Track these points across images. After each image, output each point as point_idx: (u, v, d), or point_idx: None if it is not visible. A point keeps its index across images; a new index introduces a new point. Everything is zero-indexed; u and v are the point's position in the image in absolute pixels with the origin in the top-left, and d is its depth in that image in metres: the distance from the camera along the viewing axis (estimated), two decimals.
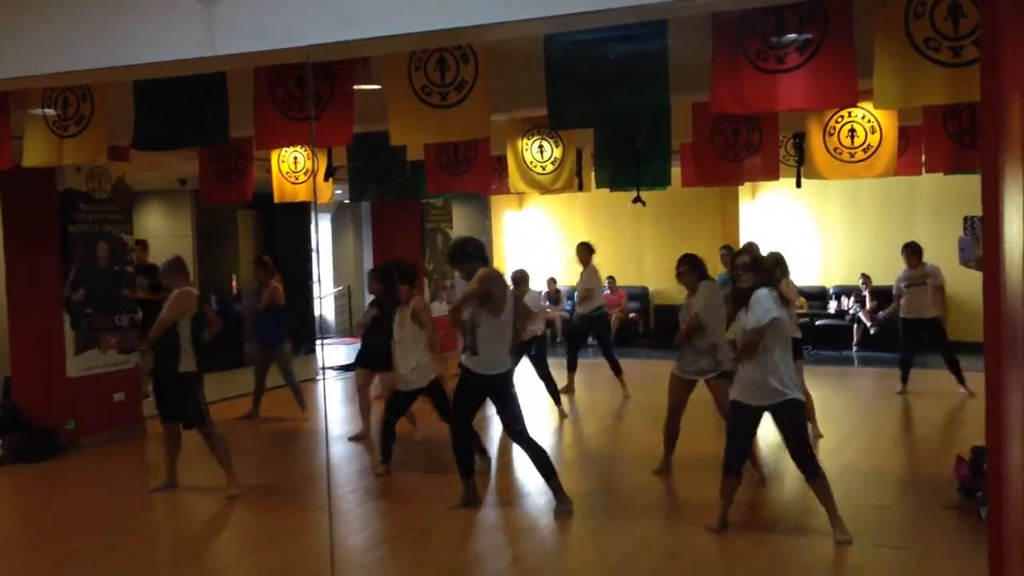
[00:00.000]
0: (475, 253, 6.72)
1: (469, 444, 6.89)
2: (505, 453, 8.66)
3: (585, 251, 11.16)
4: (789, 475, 7.47)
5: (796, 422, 5.92)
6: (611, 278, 15.77)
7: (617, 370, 11.01)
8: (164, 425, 7.50)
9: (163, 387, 7.38)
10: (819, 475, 5.89)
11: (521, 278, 9.97)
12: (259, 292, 10.38)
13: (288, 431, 9.98)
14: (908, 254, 10.59)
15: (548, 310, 15.98)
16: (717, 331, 7.00)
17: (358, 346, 9.82)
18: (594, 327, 11.21)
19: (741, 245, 13.46)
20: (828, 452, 8.11)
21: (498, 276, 6.73)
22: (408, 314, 7.69)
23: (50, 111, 6.40)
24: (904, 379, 10.68)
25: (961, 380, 10.25)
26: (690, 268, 7.27)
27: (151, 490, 7.56)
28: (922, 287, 10.41)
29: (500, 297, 6.54)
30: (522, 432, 6.63)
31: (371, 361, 9.06)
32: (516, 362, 7.00)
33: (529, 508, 6.94)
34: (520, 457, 8.33)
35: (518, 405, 6.66)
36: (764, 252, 8.37)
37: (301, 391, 10.49)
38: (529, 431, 6.67)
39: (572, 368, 11.23)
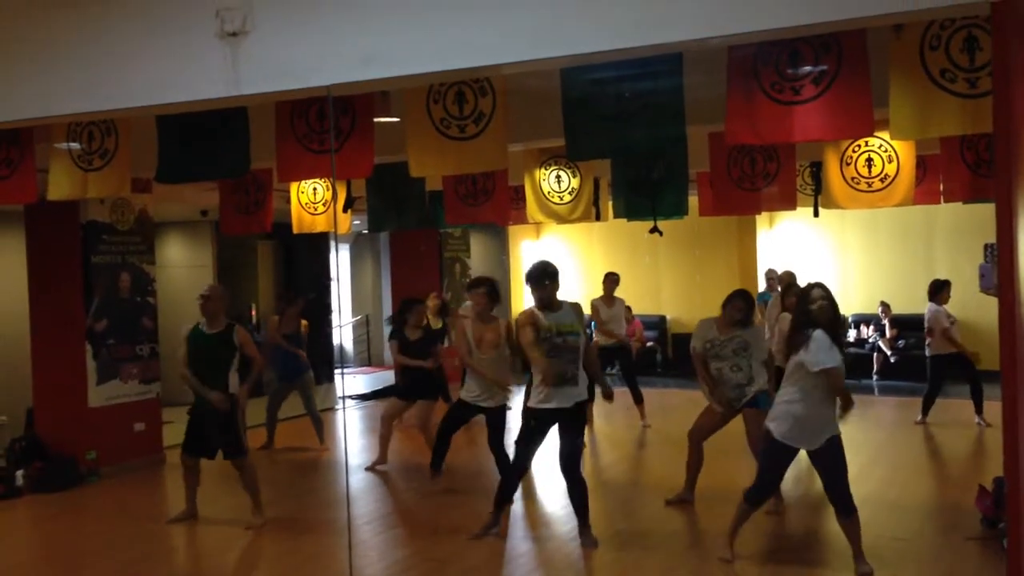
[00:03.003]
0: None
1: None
2: (524, 483, 8.65)
3: (609, 282, 11.22)
4: (807, 506, 7.43)
5: (840, 459, 5.84)
6: (627, 307, 15.74)
7: (638, 399, 11.00)
8: (188, 459, 7.50)
9: (201, 420, 7.37)
10: (853, 513, 5.80)
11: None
12: (282, 321, 10.41)
13: (307, 461, 10.01)
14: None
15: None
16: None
17: (382, 375, 9.85)
18: (618, 357, 11.22)
19: (766, 272, 13.50)
20: (849, 483, 8.05)
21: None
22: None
23: (75, 145, 6.50)
24: (926, 411, 10.65)
25: (980, 410, 10.24)
26: (748, 306, 7.20)
27: (169, 521, 7.59)
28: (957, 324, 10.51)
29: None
30: (577, 465, 6.58)
31: (408, 392, 9.09)
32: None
33: (547, 538, 6.92)
34: (539, 487, 8.33)
35: (582, 438, 6.64)
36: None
37: (322, 422, 10.51)
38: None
39: (590, 398, 11.22)
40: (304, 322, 10.55)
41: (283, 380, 10.38)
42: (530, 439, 6.61)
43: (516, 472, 6.86)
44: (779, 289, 10.98)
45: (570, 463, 6.53)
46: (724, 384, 7.13)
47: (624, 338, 11.33)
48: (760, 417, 7.15)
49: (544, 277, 6.54)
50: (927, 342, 10.67)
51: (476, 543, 6.69)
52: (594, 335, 11.51)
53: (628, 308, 15.48)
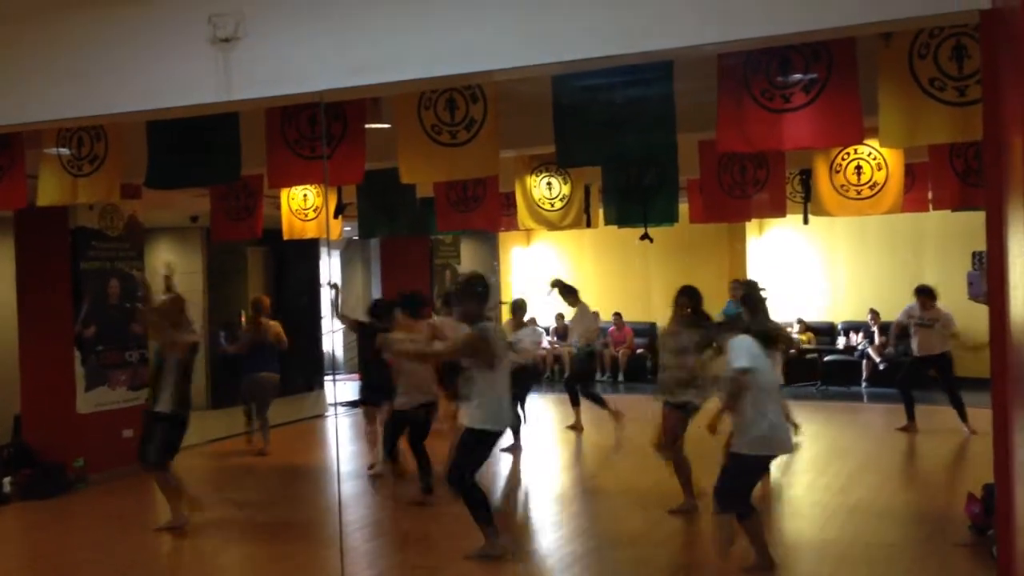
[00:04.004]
0: None
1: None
2: (512, 495, 8.64)
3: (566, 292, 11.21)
4: (800, 515, 7.44)
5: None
6: (617, 314, 15.83)
7: (601, 404, 11.11)
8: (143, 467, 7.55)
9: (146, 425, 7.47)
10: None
11: (519, 307, 10.28)
12: (256, 329, 10.55)
13: (297, 468, 9.97)
14: (924, 299, 10.55)
15: (557, 346, 16.00)
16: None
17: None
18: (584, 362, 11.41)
19: (730, 284, 13.56)
20: (838, 490, 8.07)
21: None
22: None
23: (64, 151, 6.49)
24: (910, 415, 10.65)
25: (964, 418, 10.21)
26: (690, 301, 7.23)
27: (158, 528, 7.54)
28: (930, 328, 10.43)
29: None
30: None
31: (372, 398, 9.12)
32: None
33: (536, 546, 6.91)
34: (528, 495, 8.32)
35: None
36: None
37: (268, 429, 10.54)
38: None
39: (576, 403, 11.31)
40: (272, 323, 10.65)
41: (250, 384, 10.52)
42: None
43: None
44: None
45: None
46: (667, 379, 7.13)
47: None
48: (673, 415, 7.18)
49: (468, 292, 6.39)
50: None
51: (464, 551, 6.65)
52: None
53: (618, 315, 15.61)
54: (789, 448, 5.78)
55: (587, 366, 11.66)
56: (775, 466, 9.05)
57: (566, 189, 8.68)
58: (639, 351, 16.05)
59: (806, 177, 8.67)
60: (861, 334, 14.77)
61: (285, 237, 9.86)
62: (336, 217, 9.46)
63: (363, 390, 9.28)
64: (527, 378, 10.20)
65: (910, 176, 8.55)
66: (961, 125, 4.71)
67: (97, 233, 9.36)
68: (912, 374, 10.72)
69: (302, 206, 9.68)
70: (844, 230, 14.97)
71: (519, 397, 10.10)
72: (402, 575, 6.39)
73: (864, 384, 14.39)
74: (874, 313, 14.50)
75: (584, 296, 11.31)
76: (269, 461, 10.20)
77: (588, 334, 11.25)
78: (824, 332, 15.34)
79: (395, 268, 15.27)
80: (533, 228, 9.24)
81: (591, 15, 4.27)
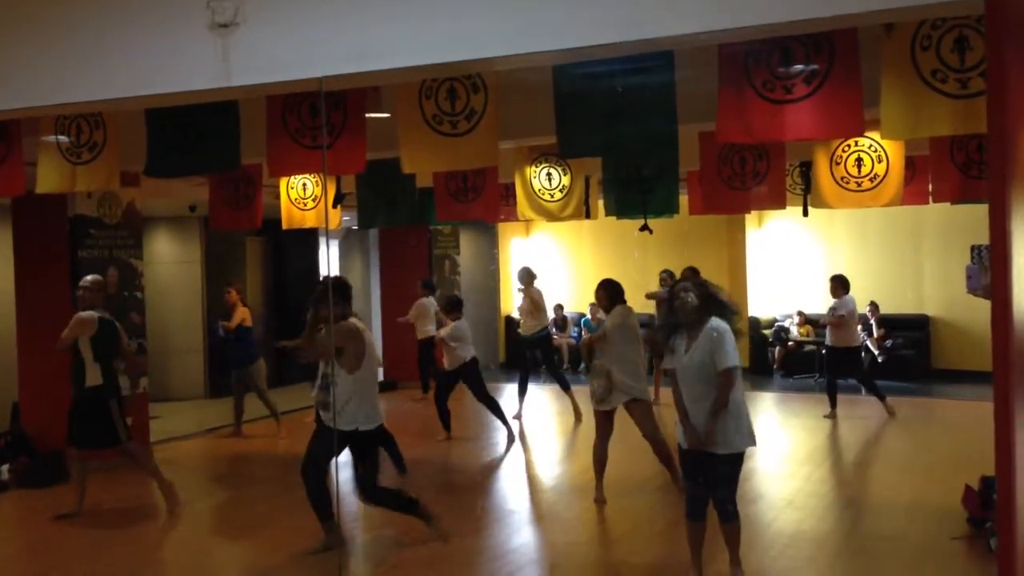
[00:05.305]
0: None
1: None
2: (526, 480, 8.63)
3: (526, 275, 11.51)
4: (795, 507, 7.45)
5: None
6: (559, 306, 15.92)
7: (566, 387, 11.34)
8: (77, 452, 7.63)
9: (73, 410, 7.56)
10: (736, 519, 5.43)
11: (455, 303, 10.41)
12: (228, 316, 10.75)
13: (299, 457, 9.95)
14: (835, 288, 11.13)
15: (556, 336, 16.02)
16: (631, 357, 7.21)
17: None
18: (539, 347, 11.50)
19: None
20: (836, 483, 8.09)
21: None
22: None
23: (63, 138, 6.47)
24: (833, 404, 11.12)
25: (882, 399, 10.82)
26: (605, 293, 7.45)
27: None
28: (841, 320, 10.98)
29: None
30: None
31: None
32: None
33: (537, 534, 6.92)
34: (526, 486, 8.31)
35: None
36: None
37: (276, 408, 10.68)
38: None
39: (523, 392, 11.48)
40: (244, 308, 10.81)
41: (234, 368, 10.68)
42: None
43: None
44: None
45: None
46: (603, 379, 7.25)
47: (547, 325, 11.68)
48: (645, 410, 7.27)
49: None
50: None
51: (467, 541, 6.66)
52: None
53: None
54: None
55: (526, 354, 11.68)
56: (774, 458, 9.12)
57: (566, 180, 8.67)
58: None
59: (806, 169, 8.65)
60: (860, 326, 14.76)
61: (284, 226, 9.85)
62: (335, 207, 9.45)
63: None
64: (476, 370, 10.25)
65: (910, 168, 8.54)
66: (963, 117, 4.70)
67: (95, 221, 9.35)
68: (833, 365, 11.24)
69: (301, 195, 9.66)
70: (844, 223, 14.97)
71: (478, 389, 10.18)
72: (400, 565, 6.38)
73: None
74: (873, 306, 14.51)
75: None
76: (272, 449, 10.21)
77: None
78: (823, 325, 15.33)
79: (394, 258, 15.28)
80: (532, 219, 9.24)
81: (592, 2, 4.25)
